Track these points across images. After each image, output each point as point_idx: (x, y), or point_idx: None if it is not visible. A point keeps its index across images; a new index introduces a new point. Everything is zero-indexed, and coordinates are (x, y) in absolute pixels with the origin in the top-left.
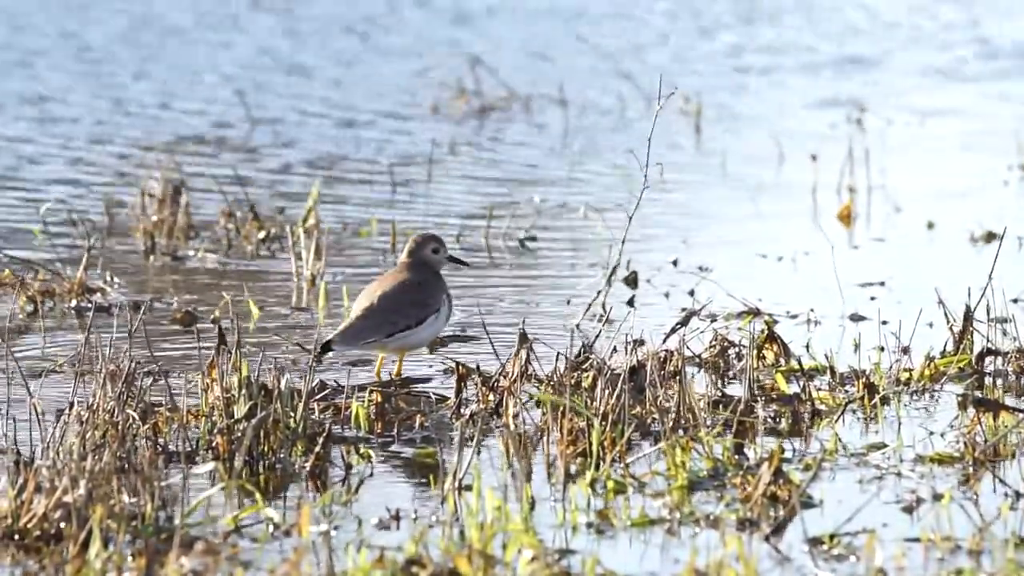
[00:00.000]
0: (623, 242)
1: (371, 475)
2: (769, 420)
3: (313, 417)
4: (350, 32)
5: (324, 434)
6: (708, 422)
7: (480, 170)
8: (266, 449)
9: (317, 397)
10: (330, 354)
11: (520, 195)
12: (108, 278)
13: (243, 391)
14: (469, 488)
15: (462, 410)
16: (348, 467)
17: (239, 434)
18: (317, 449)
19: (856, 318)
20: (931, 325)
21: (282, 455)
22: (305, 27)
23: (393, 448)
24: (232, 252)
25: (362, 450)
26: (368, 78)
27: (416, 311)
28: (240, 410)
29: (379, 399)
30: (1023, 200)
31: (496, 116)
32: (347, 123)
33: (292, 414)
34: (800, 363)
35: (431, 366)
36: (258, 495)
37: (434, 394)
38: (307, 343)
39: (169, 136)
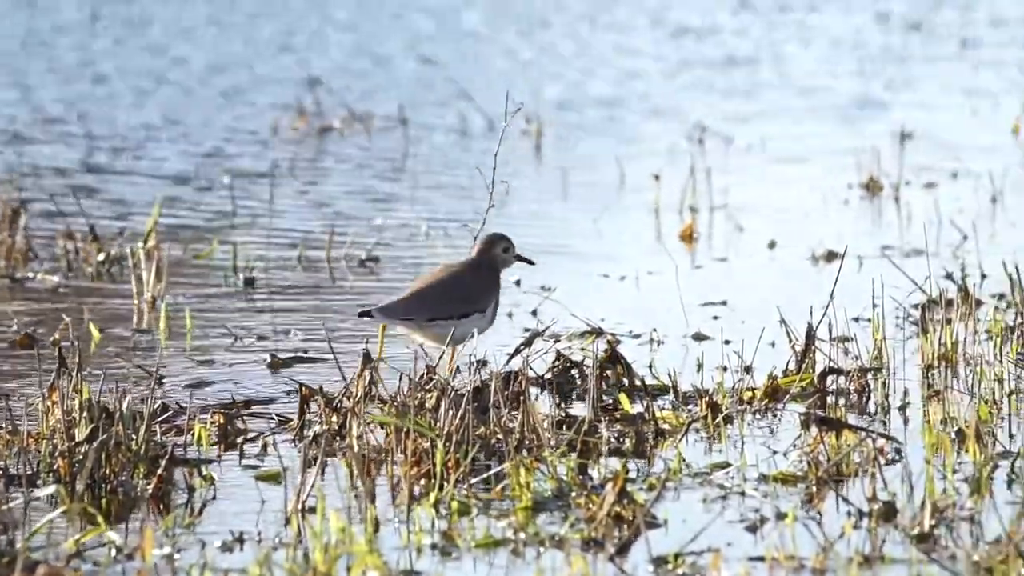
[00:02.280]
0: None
1: (214, 497)
2: (613, 440)
3: (155, 439)
4: (194, 46)
5: (166, 456)
6: (552, 442)
7: (321, 190)
8: (108, 472)
9: (159, 419)
10: (368, 319)
11: (362, 215)
12: None
13: (84, 414)
14: (313, 510)
15: (305, 431)
16: (191, 489)
17: (80, 457)
18: (159, 471)
19: (699, 337)
20: (773, 344)
21: (124, 478)
22: (143, 45)
23: (236, 470)
24: (72, 274)
25: (205, 472)
26: (209, 99)
27: (461, 305)
28: (81, 433)
29: (222, 420)
30: (863, 219)
31: (336, 136)
32: (188, 144)
33: (134, 436)
34: (643, 383)
35: (269, 388)
36: (100, 518)
37: (277, 415)
38: (148, 366)
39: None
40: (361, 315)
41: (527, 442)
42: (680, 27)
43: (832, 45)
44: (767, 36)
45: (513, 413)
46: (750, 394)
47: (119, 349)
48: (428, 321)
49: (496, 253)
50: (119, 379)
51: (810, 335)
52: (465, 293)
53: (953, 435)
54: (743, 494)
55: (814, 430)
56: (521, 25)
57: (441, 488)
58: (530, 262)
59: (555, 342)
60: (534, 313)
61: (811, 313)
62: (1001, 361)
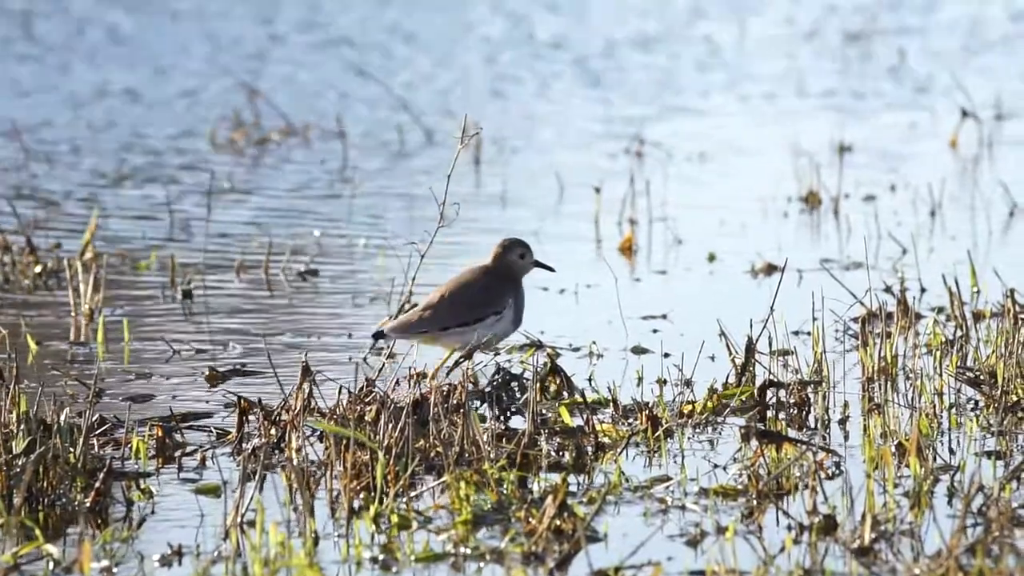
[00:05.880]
0: (413, 279)
1: (153, 511)
2: (553, 453)
3: (93, 452)
4: (131, 55)
5: (104, 470)
6: (492, 455)
7: (259, 203)
8: (45, 485)
9: (97, 432)
10: (380, 342)
11: (300, 228)
12: None
13: (22, 427)
14: (252, 523)
15: (244, 444)
16: (129, 503)
17: (18, 470)
18: (97, 485)
19: (638, 351)
20: (713, 358)
21: (62, 491)
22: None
23: (175, 483)
24: (8, 286)
25: (143, 486)
26: (147, 109)
27: (475, 310)
28: (19, 446)
29: (160, 434)
30: (803, 232)
31: (275, 148)
32: (126, 154)
33: (72, 450)
34: (583, 396)
35: (207, 401)
36: (38, 532)
37: (215, 428)
38: (86, 378)
39: None
40: (375, 337)
41: (467, 455)
42: (624, 38)
43: (772, 57)
44: (709, 47)
45: (453, 426)
46: (690, 407)
47: (56, 362)
48: (442, 330)
49: (511, 259)
50: (57, 392)
51: (750, 348)
52: (476, 297)
53: (893, 449)
54: (683, 508)
55: (754, 443)
56: (459, 36)
57: (381, 501)
58: (550, 268)
59: (495, 355)
60: None
61: (751, 326)
62: (941, 375)
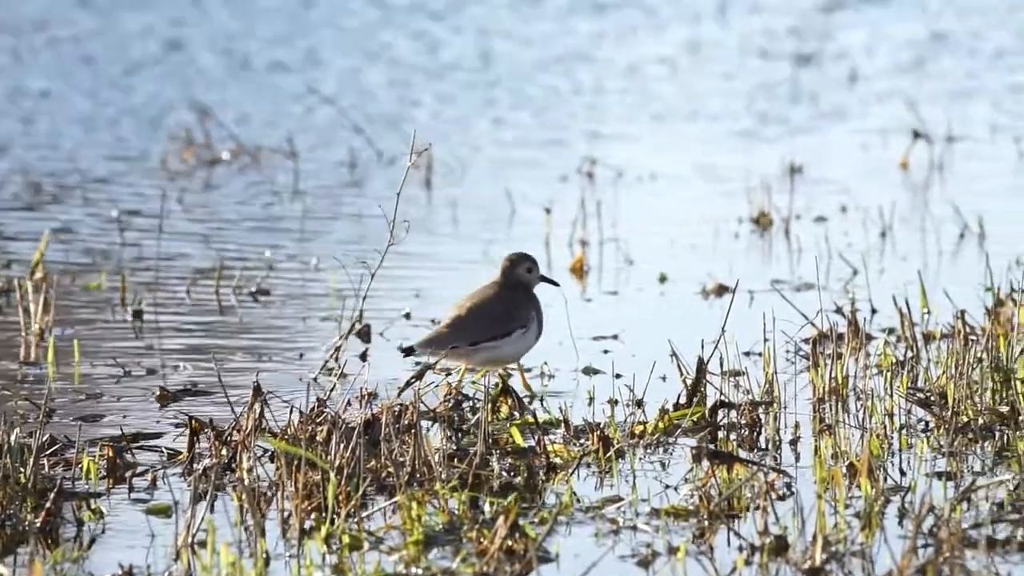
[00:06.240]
0: (363, 298)
1: (103, 531)
2: (504, 474)
3: (44, 473)
4: (79, 71)
5: (55, 490)
6: (443, 476)
7: (210, 222)
8: None
9: (48, 452)
10: (411, 357)
11: (251, 247)
12: None
13: None
14: (203, 544)
15: (195, 465)
16: (80, 523)
17: None
18: (48, 505)
19: (590, 371)
20: (664, 378)
21: (12, 511)
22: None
23: (126, 503)
24: None
25: (94, 506)
26: (98, 127)
27: (502, 324)
28: None
29: (111, 454)
30: (754, 253)
31: (225, 168)
32: (77, 175)
33: (22, 470)
34: (535, 416)
35: (158, 421)
36: None
37: (166, 449)
38: (36, 398)
39: None
40: (405, 353)
41: (418, 476)
42: (576, 54)
43: (724, 77)
44: (663, 67)
45: (404, 446)
46: (641, 428)
47: (6, 382)
48: (472, 346)
49: (519, 273)
50: (7, 412)
51: (701, 369)
52: (502, 312)
53: (844, 469)
54: (635, 528)
55: (706, 464)
56: (412, 54)
57: (332, 522)
58: (555, 283)
59: (446, 375)
60: None
61: (702, 347)
62: (891, 395)
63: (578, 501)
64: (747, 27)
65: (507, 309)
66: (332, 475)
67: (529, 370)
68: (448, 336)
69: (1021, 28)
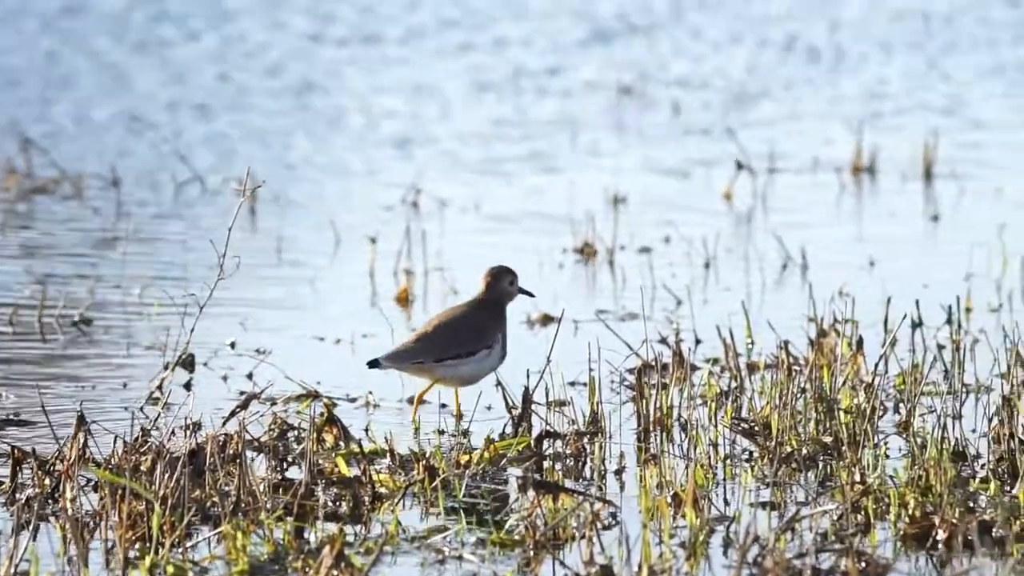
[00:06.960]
0: (192, 330)
1: None
2: (330, 503)
3: None
4: None
5: None
6: (269, 505)
7: (32, 252)
8: None
9: None
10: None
11: (74, 277)
12: None
13: None
14: (26, 574)
15: (18, 495)
16: None
17: None
18: None
19: (415, 401)
20: (490, 407)
21: None
22: None
23: None
24: None
25: None
26: None
27: (469, 343)
28: None
29: None
30: (578, 283)
31: (47, 197)
32: None
33: None
34: (360, 446)
35: None
36: None
37: None
38: None
39: None
40: (370, 365)
41: (243, 505)
42: (392, 86)
43: (547, 106)
44: (483, 97)
45: (229, 476)
46: (467, 458)
47: None
48: (436, 362)
49: (503, 286)
50: None
51: (527, 399)
52: (469, 331)
53: (669, 499)
54: (461, 558)
55: (531, 494)
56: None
57: (157, 552)
58: (530, 294)
59: (271, 405)
60: (250, 376)
61: (528, 376)
62: (716, 425)
63: (404, 531)
64: (569, 55)
65: (476, 329)
66: (156, 505)
67: (354, 400)
68: (414, 350)
69: (838, 51)
